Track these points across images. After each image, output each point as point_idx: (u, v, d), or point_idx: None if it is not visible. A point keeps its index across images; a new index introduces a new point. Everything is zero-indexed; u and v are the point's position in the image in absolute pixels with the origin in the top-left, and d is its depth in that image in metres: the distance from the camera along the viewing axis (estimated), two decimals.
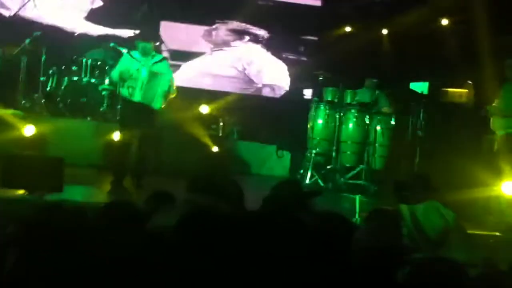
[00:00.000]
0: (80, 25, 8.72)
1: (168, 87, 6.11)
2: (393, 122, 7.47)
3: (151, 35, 6.64)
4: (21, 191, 5.12)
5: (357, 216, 4.36)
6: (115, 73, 6.25)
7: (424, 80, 8.36)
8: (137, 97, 6.05)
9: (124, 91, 6.16)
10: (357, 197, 4.56)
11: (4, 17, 8.41)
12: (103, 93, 7.56)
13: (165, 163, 7.08)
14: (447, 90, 8.38)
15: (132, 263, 2.13)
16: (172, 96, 6.25)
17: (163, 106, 6.22)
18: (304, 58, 9.43)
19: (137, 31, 8.06)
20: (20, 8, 8.49)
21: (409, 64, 8.35)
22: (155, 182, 6.00)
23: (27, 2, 8.50)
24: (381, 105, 7.61)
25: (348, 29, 9.26)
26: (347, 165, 7.39)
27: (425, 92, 8.17)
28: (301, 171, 7.45)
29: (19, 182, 5.22)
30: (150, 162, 6.43)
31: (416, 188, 3.64)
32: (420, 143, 7.37)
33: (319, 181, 7.20)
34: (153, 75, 6.06)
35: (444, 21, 8.48)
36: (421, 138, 7.40)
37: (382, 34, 9.06)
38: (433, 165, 6.82)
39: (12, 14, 8.47)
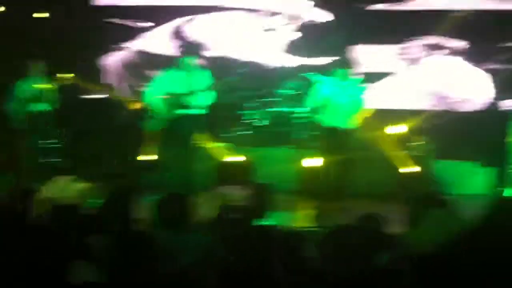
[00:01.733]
0: (278, 58, 9.31)
1: (359, 108, 6.23)
2: None
3: (348, 61, 6.79)
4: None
5: None
6: (313, 101, 6.54)
7: None
8: (334, 123, 6.27)
9: (322, 118, 6.43)
10: None
11: (210, 57, 9.33)
12: (303, 121, 7.96)
13: (363, 184, 7.15)
14: None
15: None
16: (364, 115, 6.33)
17: (356, 126, 6.32)
18: (508, 67, 8.80)
19: (332, 58, 8.34)
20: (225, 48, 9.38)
21: None
22: (355, 204, 6.13)
23: (232, 42, 9.34)
24: None
25: None
26: None
27: None
28: (501, 188, 6.93)
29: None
30: (350, 185, 6.55)
31: None
32: None
33: None
34: (349, 100, 6.23)
35: None
36: None
37: None
38: None
39: (217, 54, 9.38)
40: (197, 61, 6.73)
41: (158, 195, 3.71)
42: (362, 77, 8.55)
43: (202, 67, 6.83)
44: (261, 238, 2.83)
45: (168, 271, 2.63)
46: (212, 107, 6.80)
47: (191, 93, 6.44)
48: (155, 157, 7.32)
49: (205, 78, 6.57)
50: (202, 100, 6.49)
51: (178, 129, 6.49)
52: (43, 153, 7.29)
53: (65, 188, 6.37)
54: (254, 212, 4.02)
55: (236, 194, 5.23)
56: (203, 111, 6.58)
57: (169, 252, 2.95)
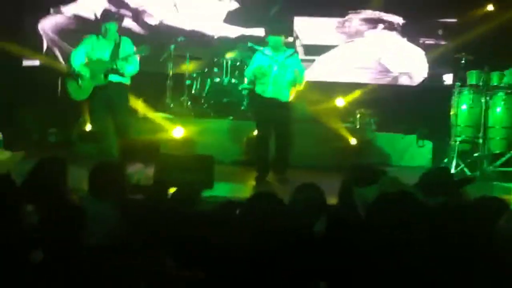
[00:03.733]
0: (218, 28, 9.15)
1: (295, 77, 6.14)
2: None
3: (281, 29, 6.60)
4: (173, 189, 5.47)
5: None
6: (249, 72, 6.43)
7: None
8: (269, 93, 6.17)
9: (258, 88, 6.33)
10: None
11: (150, 25, 9.05)
12: (243, 92, 7.87)
13: (305, 156, 7.18)
14: None
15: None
16: (300, 88, 6.25)
17: (292, 99, 6.26)
18: (443, 42, 9.05)
19: (271, 29, 8.24)
20: (164, 16, 9.11)
21: None
22: (297, 175, 6.14)
23: (171, 10, 9.08)
24: None
25: (490, 7, 8.71)
26: (496, 151, 6.98)
27: None
28: (445, 160, 7.17)
29: (173, 180, 5.61)
30: (289, 156, 6.51)
31: None
32: None
33: (465, 170, 6.88)
34: (284, 70, 6.14)
35: None
36: None
37: None
38: None
39: (157, 22, 9.12)
40: (120, 27, 6.42)
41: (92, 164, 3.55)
42: (302, 49, 8.57)
43: (128, 34, 6.55)
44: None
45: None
46: (146, 76, 6.57)
47: (118, 59, 6.16)
48: (89, 126, 7.05)
49: (130, 45, 6.30)
50: (129, 68, 6.23)
51: (108, 98, 6.22)
52: None
53: None
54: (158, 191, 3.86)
55: (142, 172, 5.02)
56: (127, 80, 6.31)
57: (98, 222, 2.86)
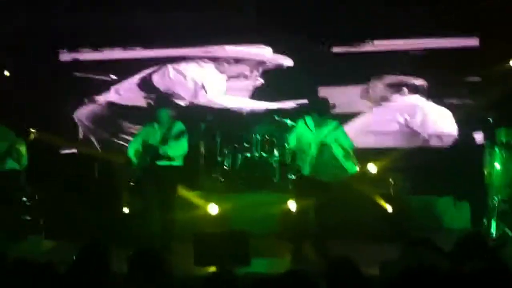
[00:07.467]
0: (246, 104, 9.39)
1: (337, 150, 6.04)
2: None
3: (320, 104, 6.23)
4: (212, 268, 5.44)
5: None
6: (292, 142, 6.23)
7: None
8: (306, 171, 6.06)
9: (297, 163, 6.33)
10: None
11: (181, 106, 9.35)
12: (274, 165, 7.97)
13: (341, 226, 7.11)
14: None
15: None
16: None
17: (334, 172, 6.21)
18: (468, 101, 9.09)
19: (299, 102, 8.43)
20: (193, 97, 9.44)
21: None
22: (335, 246, 6.07)
23: (199, 90, 9.41)
24: None
25: None
26: None
27: None
28: (485, 221, 7.04)
29: (210, 259, 5.62)
30: (329, 228, 6.42)
31: None
32: None
33: (507, 230, 6.73)
34: (324, 148, 6.01)
35: None
36: None
37: None
38: None
39: (187, 103, 9.42)
40: (170, 112, 6.69)
41: (133, 249, 3.59)
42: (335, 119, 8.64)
43: (174, 117, 6.78)
44: None
45: None
46: (186, 156, 6.74)
47: (166, 144, 6.39)
48: (131, 210, 7.19)
49: (178, 129, 6.54)
50: (176, 151, 6.44)
51: (154, 181, 6.40)
52: (16, 212, 7.06)
53: (37, 247, 6.14)
54: None
55: None
56: (179, 162, 6.51)
57: None
